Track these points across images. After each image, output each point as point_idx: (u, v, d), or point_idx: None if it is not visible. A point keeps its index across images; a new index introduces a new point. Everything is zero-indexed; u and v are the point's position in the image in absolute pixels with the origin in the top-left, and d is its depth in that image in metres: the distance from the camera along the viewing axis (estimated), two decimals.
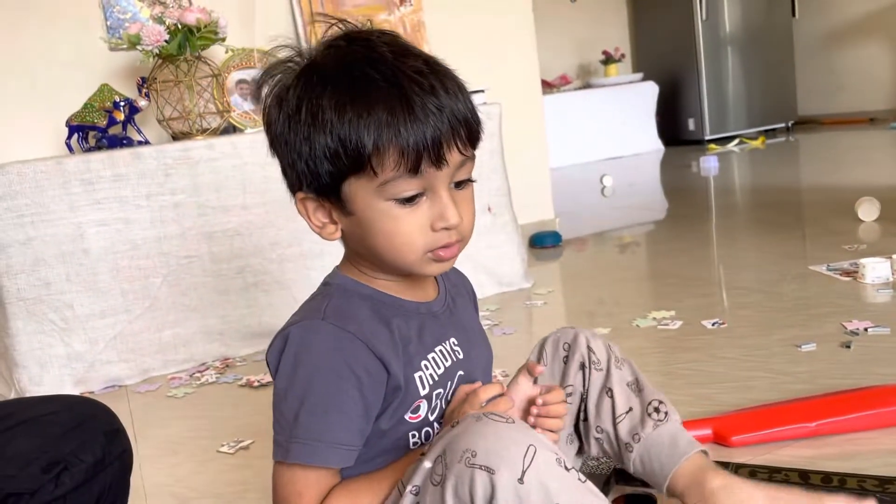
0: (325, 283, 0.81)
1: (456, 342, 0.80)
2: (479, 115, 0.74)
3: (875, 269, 1.84)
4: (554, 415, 0.83)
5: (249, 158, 1.86)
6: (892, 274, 1.83)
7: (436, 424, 0.77)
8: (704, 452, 0.87)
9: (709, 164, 4.50)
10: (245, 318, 1.89)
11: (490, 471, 0.61)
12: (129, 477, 0.83)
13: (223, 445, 1.36)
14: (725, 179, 4.39)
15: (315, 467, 0.70)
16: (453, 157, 0.70)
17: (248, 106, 2.19)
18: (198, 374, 1.78)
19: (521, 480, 0.60)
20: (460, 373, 0.79)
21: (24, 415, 0.79)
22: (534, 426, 0.81)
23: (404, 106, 0.67)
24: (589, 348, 0.92)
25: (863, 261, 1.89)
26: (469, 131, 0.72)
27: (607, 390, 0.90)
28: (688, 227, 3.02)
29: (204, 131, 1.97)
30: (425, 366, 0.76)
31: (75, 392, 1.68)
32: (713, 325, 1.67)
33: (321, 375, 0.69)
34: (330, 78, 0.70)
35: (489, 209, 2.14)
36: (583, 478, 0.65)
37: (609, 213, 3.59)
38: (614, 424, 0.89)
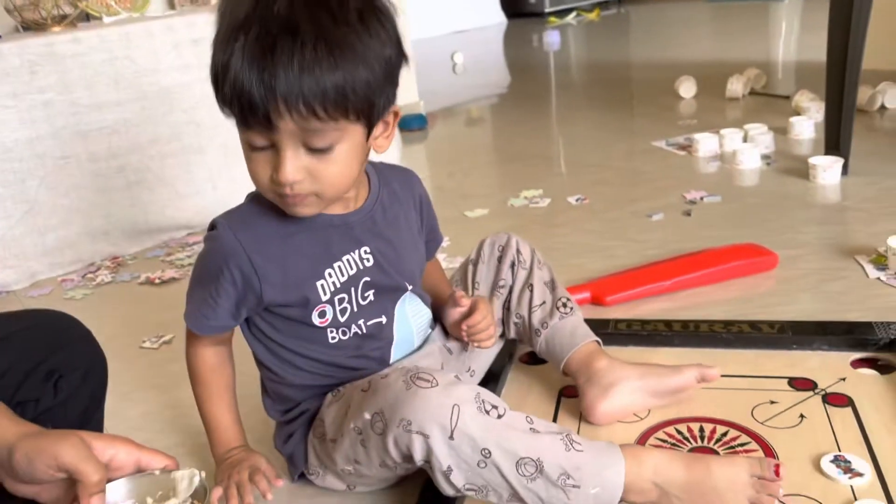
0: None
1: (368, 250, 0.86)
2: (351, 90, 0.71)
3: (706, 143, 2.12)
4: (481, 332, 0.96)
5: (119, 52, 1.79)
6: (720, 147, 2.13)
7: (353, 326, 0.87)
8: (598, 342, 1.04)
9: (551, 38, 4.70)
10: (130, 217, 1.88)
11: (425, 435, 0.72)
12: (107, 379, 0.91)
13: (145, 342, 1.42)
14: (566, 55, 4.62)
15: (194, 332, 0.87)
16: (286, 124, 0.71)
17: None
18: (90, 276, 1.78)
19: (451, 437, 0.72)
20: (366, 279, 0.86)
21: (1, 332, 0.83)
22: (468, 342, 0.98)
23: (240, 58, 0.69)
24: (518, 250, 1.08)
25: (695, 136, 2.17)
26: (312, 106, 0.70)
27: (529, 285, 1.07)
28: (539, 107, 3.22)
29: (62, 20, 1.85)
30: (328, 274, 0.84)
31: None
32: (577, 200, 1.89)
33: (206, 266, 0.84)
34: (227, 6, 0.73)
35: None
36: (502, 412, 0.75)
37: (463, 92, 3.72)
38: (529, 313, 1.06)
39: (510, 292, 1.08)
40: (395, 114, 0.82)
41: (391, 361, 0.92)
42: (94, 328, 0.92)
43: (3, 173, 1.69)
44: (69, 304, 1.64)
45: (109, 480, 0.69)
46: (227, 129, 1.92)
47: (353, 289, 0.86)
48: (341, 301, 0.86)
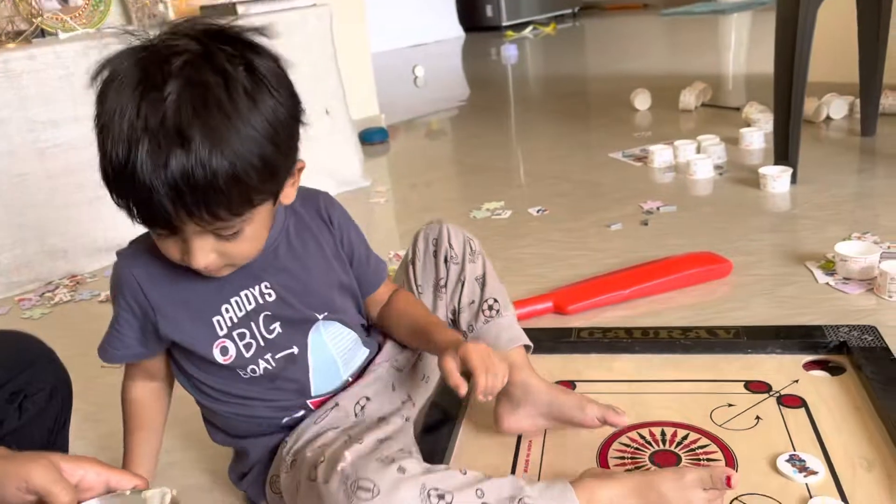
0: None
1: (269, 285, 0.84)
2: (253, 188, 0.70)
3: (661, 155, 2.18)
4: (496, 386, 0.85)
5: (75, 68, 1.78)
6: (674, 158, 2.18)
7: (260, 361, 0.85)
8: (527, 347, 1.01)
9: (509, 52, 4.76)
10: (90, 233, 1.86)
11: None
12: (72, 398, 0.90)
13: None
14: (524, 68, 4.69)
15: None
16: (189, 227, 0.70)
17: (55, 5, 2.05)
18: (48, 294, 1.76)
19: None
20: (266, 313, 0.84)
21: None
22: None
23: (134, 170, 0.66)
24: (450, 244, 1.02)
25: (651, 147, 2.22)
26: (216, 214, 0.69)
27: (460, 282, 1.02)
28: (498, 120, 3.27)
29: (16, 36, 1.83)
30: (225, 309, 0.83)
31: None
32: (538, 212, 1.93)
33: (111, 295, 0.85)
34: (114, 83, 0.69)
35: (326, 112, 2.21)
36: (450, 499, 0.73)
37: (423, 105, 3.75)
38: (458, 313, 1.02)
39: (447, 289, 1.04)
40: (300, 169, 0.80)
41: (313, 392, 0.89)
42: (55, 348, 0.92)
43: None
44: (27, 323, 1.61)
45: (79, 502, 0.69)
46: None
47: (252, 324, 0.84)
48: (242, 336, 0.84)
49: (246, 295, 0.84)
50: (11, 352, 0.84)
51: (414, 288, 1.04)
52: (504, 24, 6.01)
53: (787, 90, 1.81)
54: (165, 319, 0.82)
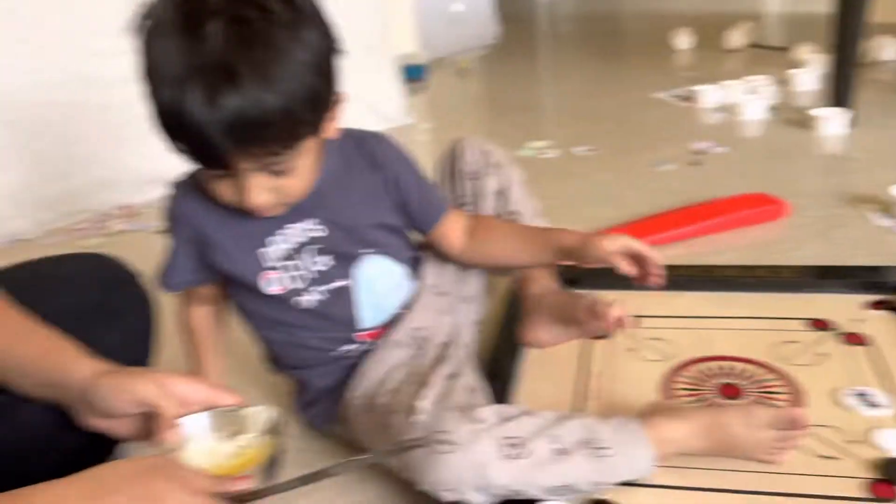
0: None
1: (318, 221, 0.85)
2: (300, 119, 0.71)
3: (709, 95, 2.15)
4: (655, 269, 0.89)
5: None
6: (723, 98, 2.15)
7: (308, 294, 0.86)
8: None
9: None
10: (141, 166, 1.87)
11: (457, 492, 0.75)
12: (156, 319, 0.93)
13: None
14: (557, 5, 4.58)
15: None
16: (245, 164, 0.71)
17: None
18: (103, 224, 1.79)
19: (482, 490, 0.75)
20: (315, 246, 0.86)
21: (59, 273, 0.85)
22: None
23: (188, 110, 0.67)
24: (465, 159, 1.02)
25: (698, 87, 2.19)
26: (267, 146, 0.70)
27: (479, 197, 1.01)
28: (534, 59, 3.22)
29: None
30: (273, 241, 0.84)
31: None
32: (585, 151, 1.92)
33: (166, 227, 0.87)
34: (157, 29, 0.70)
35: (369, 47, 2.19)
36: (529, 451, 0.75)
37: (458, 42, 3.69)
38: None
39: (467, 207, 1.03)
40: (341, 102, 0.79)
41: (362, 325, 0.90)
42: None
43: (15, 122, 1.68)
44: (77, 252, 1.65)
45: (183, 416, 0.72)
46: None
47: (303, 255, 0.86)
48: (291, 268, 0.86)
49: (294, 228, 0.85)
50: (104, 271, 0.87)
51: None
52: None
53: (846, 31, 1.77)
54: (215, 249, 0.84)
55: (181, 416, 0.71)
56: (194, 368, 0.94)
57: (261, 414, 0.75)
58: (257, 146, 0.70)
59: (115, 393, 0.69)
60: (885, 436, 0.83)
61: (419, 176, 0.94)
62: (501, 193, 1.02)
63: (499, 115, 2.44)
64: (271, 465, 0.69)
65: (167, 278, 0.87)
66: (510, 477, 0.75)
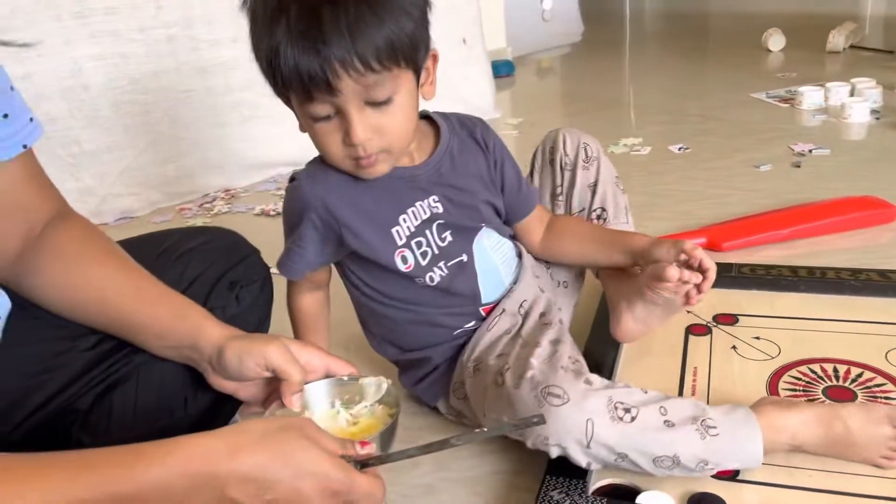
0: None
1: (437, 199, 0.88)
2: (398, 40, 0.73)
3: (811, 96, 2.09)
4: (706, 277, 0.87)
5: None
6: (825, 100, 2.09)
7: (435, 269, 0.89)
8: None
9: None
10: (243, 151, 1.96)
11: (562, 447, 0.76)
12: (273, 292, 0.97)
13: (272, 269, 1.49)
14: (643, 4, 4.51)
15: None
16: (346, 84, 0.72)
17: None
18: (207, 205, 1.87)
19: (588, 447, 0.75)
20: (440, 221, 0.88)
21: (186, 245, 0.90)
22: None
23: (288, 37, 0.70)
24: (564, 151, 1.03)
25: (800, 88, 2.13)
26: (367, 61, 0.72)
27: (571, 188, 1.03)
28: (619, 56, 3.19)
29: None
30: (402, 220, 0.86)
31: None
32: (679, 149, 1.89)
33: (290, 216, 0.88)
34: None
35: (463, 41, 2.22)
36: (635, 413, 0.76)
37: (545, 39, 3.68)
38: None
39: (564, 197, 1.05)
40: (434, 57, 0.82)
41: (484, 299, 0.93)
42: None
43: (131, 104, 1.77)
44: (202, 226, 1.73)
45: (306, 382, 0.76)
46: None
47: (427, 231, 0.88)
48: (419, 245, 0.88)
49: (420, 205, 0.88)
50: (228, 245, 0.92)
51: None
52: None
53: None
54: (350, 231, 0.86)
55: (304, 383, 0.75)
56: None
57: (375, 385, 0.78)
58: (356, 58, 0.71)
59: (246, 356, 0.73)
60: None
61: (517, 166, 0.97)
62: (593, 187, 1.03)
63: (586, 111, 2.43)
64: (387, 433, 0.72)
65: (292, 265, 0.89)
66: (617, 437, 0.75)
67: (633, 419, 0.76)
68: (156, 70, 1.79)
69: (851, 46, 2.71)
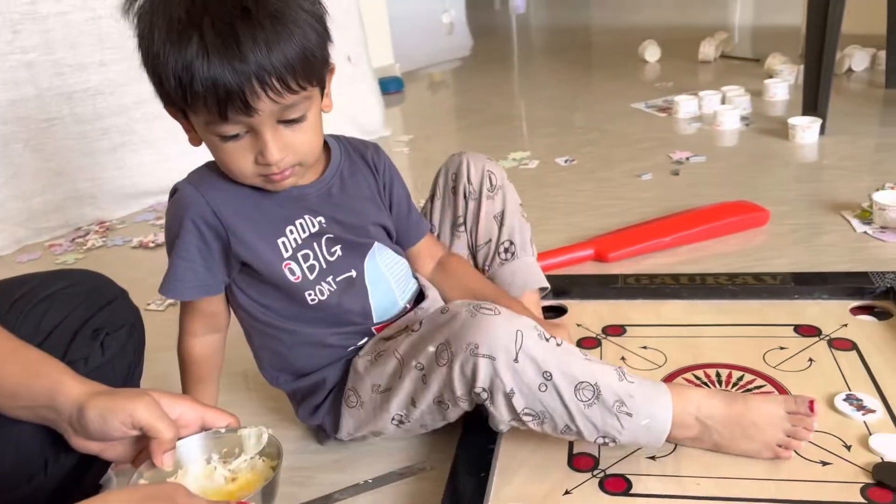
0: None
1: (323, 220, 0.86)
2: (310, 55, 0.72)
3: (686, 105, 2.18)
4: None
5: (103, 11, 1.75)
6: (699, 109, 2.18)
7: (323, 283, 0.86)
8: (543, 289, 1.05)
9: (517, 1, 4.69)
10: (117, 180, 1.85)
11: (491, 357, 0.76)
12: (145, 336, 0.91)
13: (150, 304, 1.41)
14: (528, 19, 4.62)
15: (186, 308, 0.88)
16: (264, 104, 0.71)
17: None
18: (79, 240, 1.76)
19: (516, 360, 0.76)
20: (328, 236, 0.86)
21: (44, 291, 0.83)
22: None
23: (203, 54, 0.68)
24: (468, 178, 1.01)
25: (676, 98, 2.22)
26: (285, 79, 0.71)
27: (476, 219, 1.02)
28: (508, 71, 3.24)
29: None
30: (289, 231, 0.84)
31: None
32: (566, 161, 1.93)
33: (173, 229, 0.83)
34: (159, 6, 0.71)
35: (349, 59, 2.19)
36: (559, 342, 0.79)
37: (432, 55, 3.70)
38: (475, 250, 1.03)
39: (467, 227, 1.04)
40: (331, 70, 0.81)
41: (376, 318, 0.91)
42: None
43: None
44: (62, 269, 1.62)
45: (179, 438, 0.71)
46: None
47: (315, 244, 0.86)
48: (306, 258, 0.86)
49: (307, 219, 0.86)
50: (90, 289, 0.85)
51: (433, 226, 1.05)
52: None
53: (820, 41, 1.81)
54: (237, 238, 0.82)
55: (177, 439, 0.70)
56: (188, 391, 0.92)
57: (255, 435, 0.73)
58: (278, 78, 0.70)
59: (109, 414, 0.67)
60: (879, 440, 0.84)
61: (407, 192, 0.96)
62: (499, 218, 1.02)
63: (476, 126, 2.44)
64: (269, 489, 0.68)
65: (176, 283, 0.83)
66: (542, 352, 0.76)
67: (557, 344, 0.78)
68: (13, 99, 1.67)
69: (722, 56, 2.85)
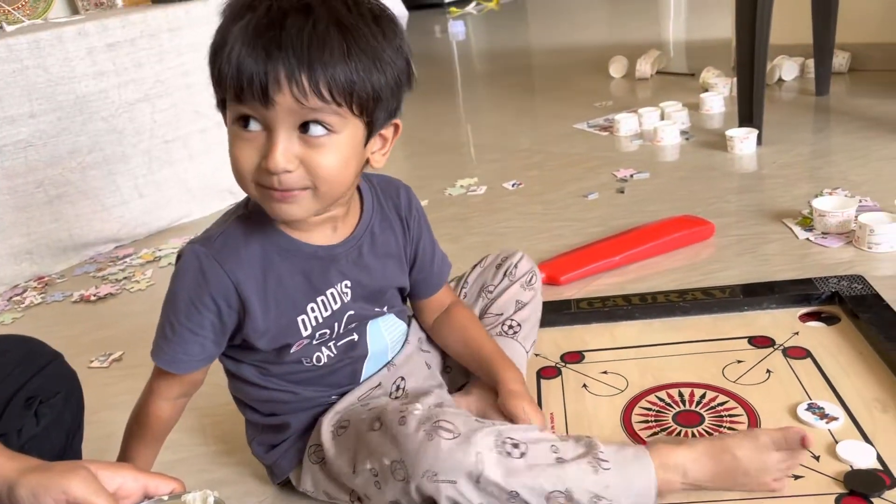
0: (245, 204, 0.81)
1: (349, 284, 0.82)
2: (357, 74, 0.67)
3: (627, 123, 2.20)
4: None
5: (30, 62, 1.69)
6: (640, 126, 2.21)
7: (324, 349, 0.84)
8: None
9: (456, 28, 4.74)
10: (53, 233, 1.78)
11: (451, 482, 0.73)
12: (83, 400, 0.87)
13: (93, 361, 1.35)
14: (470, 44, 4.67)
15: (166, 372, 0.81)
16: (284, 98, 0.66)
17: None
18: (17, 298, 1.69)
19: (477, 482, 0.73)
20: (350, 312, 0.84)
21: None
22: None
23: (245, 31, 0.66)
24: (515, 264, 1.04)
25: (616, 116, 2.24)
26: (317, 81, 0.65)
27: (500, 292, 1.03)
28: (452, 98, 3.25)
29: None
30: (311, 308, 0.81)
31: None
32: (513, 185, 1.93)
33: (184, 297, 0.77)
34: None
35: None
36: (524, 450, 0.74)
37: None
38: (483, 315, 1.02)
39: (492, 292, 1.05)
40: (396, 127, 0.78)
41: (363, 376, 0.89)
42: None
43: None
44: None
45: None
46: (150, 135, 1.88)
47: (336, 323, 0.83)
48: (322, 336, 0.83)
49: (332, 293, 0.82)
50: (22, 356, 0.81)
51: (459, 285, 1.06)
52: (447, 0, 5.97)
53: (750, 53, 1.85)
54: (252, 323, 0.78)
55: None
56: (128, 455, 0.86)
57: (200, 499, 0.70)
58: (308, 76, 0.65)
59: (42, 492, 0.63)
60: (845, 448, 0.83)
61: (433, 238, 0.94)
62: (520, 305, 1.02)
63: (422, 154, 2.44)
64: None
65: (185, 355, 0.78)
66: (505, 474, 0.73)
67: (522, 455, 0.75)
68: None
69: (658, 72, 2.90)
